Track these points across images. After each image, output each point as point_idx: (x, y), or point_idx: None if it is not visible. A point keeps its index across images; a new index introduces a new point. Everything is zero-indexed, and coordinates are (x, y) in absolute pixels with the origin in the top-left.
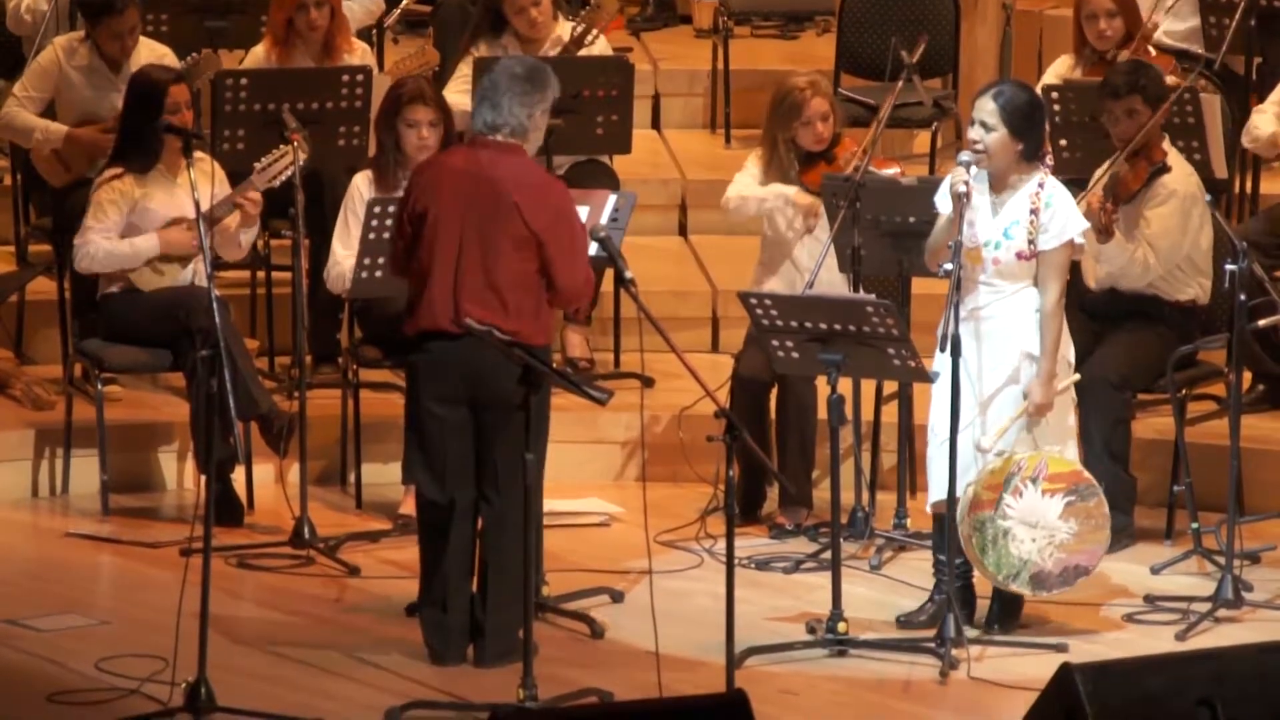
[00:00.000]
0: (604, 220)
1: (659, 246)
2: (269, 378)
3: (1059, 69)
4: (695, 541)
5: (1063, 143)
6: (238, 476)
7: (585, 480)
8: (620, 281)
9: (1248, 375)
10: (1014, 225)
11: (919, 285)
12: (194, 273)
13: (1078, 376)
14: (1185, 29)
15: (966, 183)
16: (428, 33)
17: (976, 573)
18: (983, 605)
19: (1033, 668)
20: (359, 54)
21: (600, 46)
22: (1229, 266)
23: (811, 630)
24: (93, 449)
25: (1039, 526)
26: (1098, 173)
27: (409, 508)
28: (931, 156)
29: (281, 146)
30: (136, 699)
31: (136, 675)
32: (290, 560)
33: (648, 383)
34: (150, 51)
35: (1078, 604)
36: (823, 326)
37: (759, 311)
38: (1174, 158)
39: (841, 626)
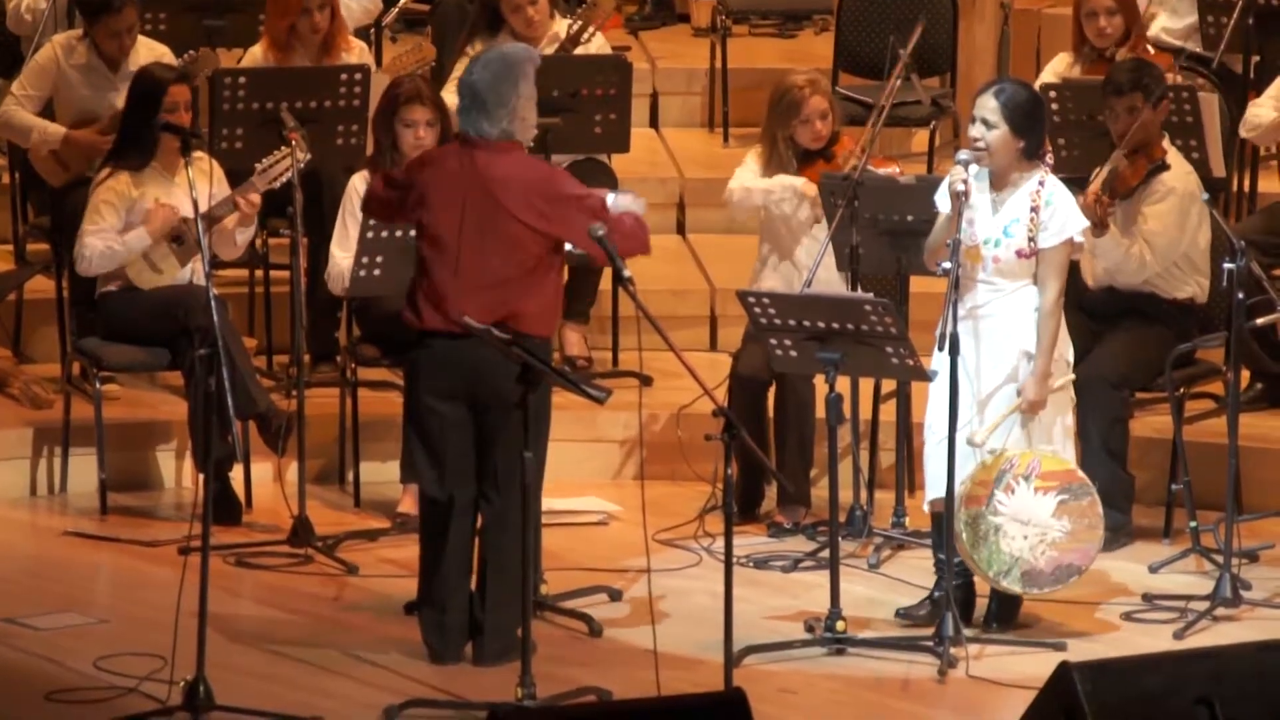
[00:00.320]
0: None
1: (657, 245)
2: (267, 376)
3: (1057, 67)
4: (693, 540)
5: (1061, 141)
6: (236, 475)
7: (584, 479)
8: (618, 280)
9: (1246, 374)
10: (1014, 223)
11: (917, 284)
12: (192, 271)
13: (1072, 376)
14: (1184, 26)
15: (965, 181)
16: (426, 31)
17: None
18: (981, 604)
19: (1031, 666)
20: (356, 52)
21: (598, 45)
22: (1227, 265)
23: (810, 629)
24: (91, 448)
25: (1031, 524)
26: (1098, 170)
27: (407, 506)
28: (930, 155)
29: (282, 148)
30: (135, 697)
31: (135, 674)
32: (289, 559)
33: (646, 381)
34: (149, 50)
35: (1076, 603)
36: (821, 325)
37: (757, 310)
38: (1173, 156)
39: (840, 625)
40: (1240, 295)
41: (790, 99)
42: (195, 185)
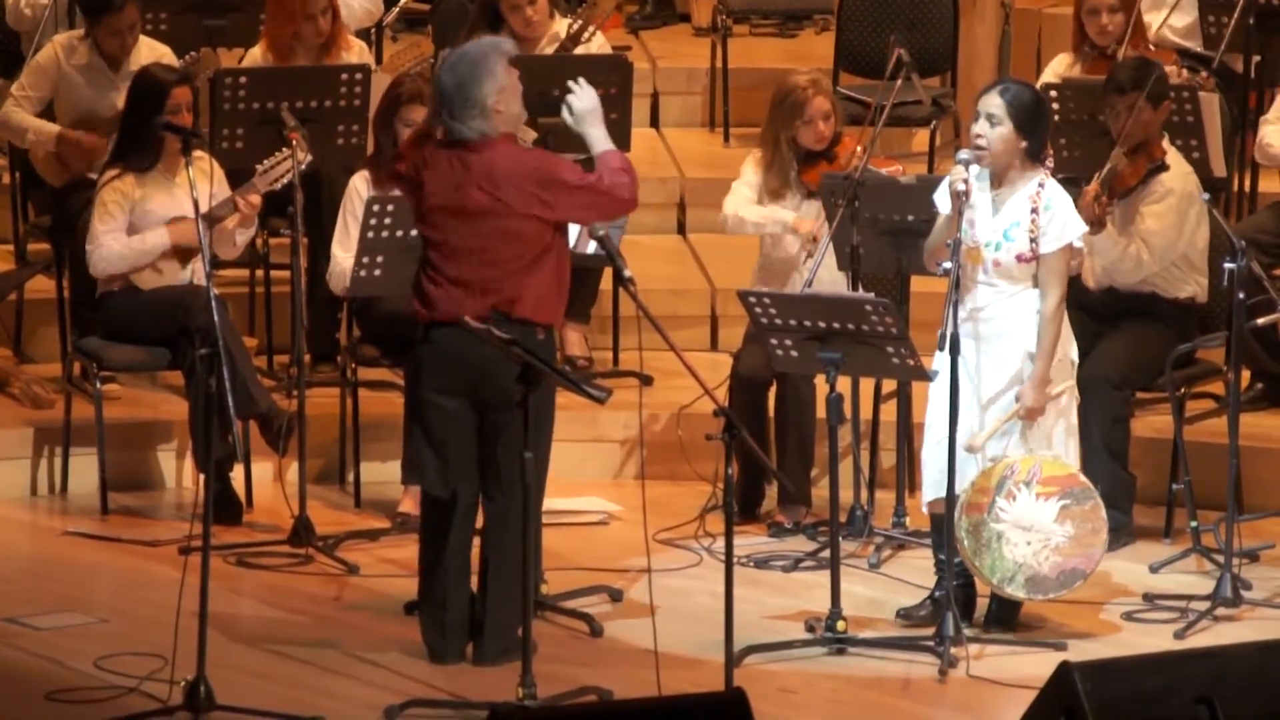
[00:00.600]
0: None
1: (658, 245)
2: (268, 376)
3: (1057, 67)
4: (694, 540)
5: (1061, 141)
6: (236, 475)
7: (584, 479)
8: (619, 280)
9: (1246, 373)
10: (1014, 227)
11: (918, 284)
12: (193, 272)
13: (1071, 382)
14: (1187, 25)
15: (966, 180)
16: (427, 30)
17: None
18: (982, 604)
19: (1031, 666)
20: (356, 51)
21: (598, 44)
22: (1228, 265)
23: (810, 629)
24: (91, 447)
25: (1033, 530)
26: (1099, 171)
27: (408, 506)
28: (930, 155)
29: (283, 149)
30: (135, 697)
31: (135, 673)
32: (289, 559)
33: (646, 381)
34: (150, 50)
35: (1076, 603)
36: (822, 325)
37: (758, 310)
38: (1173, 156)
39: (840, 625)
40: (1241, 295)
41: (793, 99)
42: (196, 185)
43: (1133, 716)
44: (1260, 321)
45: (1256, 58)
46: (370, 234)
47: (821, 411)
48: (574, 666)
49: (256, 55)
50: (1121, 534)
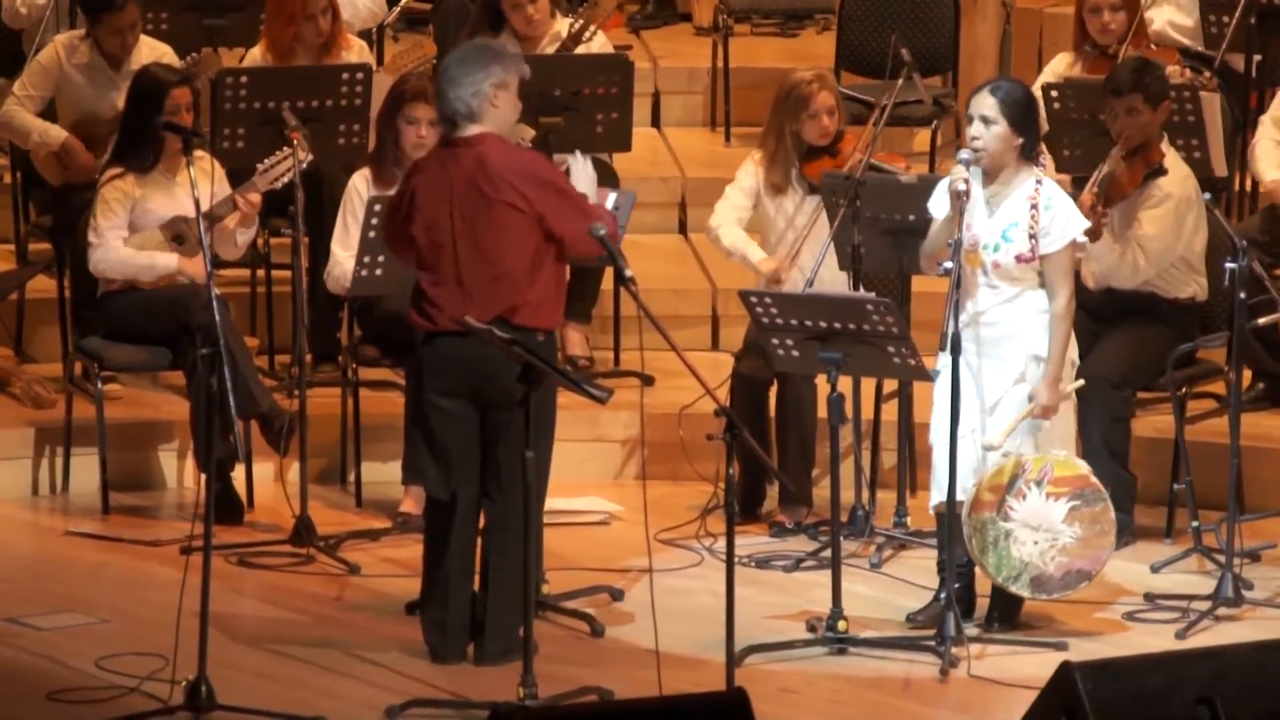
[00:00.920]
0: None
1: (659, 244)
2: (269, 376)
3: (1057, 67)
4: (695, 540)
5: (1062, 141)
6: (238, 475)
7: (585, 479)
8: (620, 280)
9: (1248, 373)
10: (1012, 227)
11: (919, 283)
12: None
13: (1081, 382)
14: (1191, 24)
15: (966, 181)
16: (428, 30)
17: (977, 570)
18: (982, 604)
19: (1032, 666)
20: (356, 51)
21: (599, 44)
22: (1229, 264)
23: (811, 629)
24: (93, 447)
25: (1041, 529)
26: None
27: (409, 506)
28: (931, 154)
29: (284, 149)
30: (136, 697)
31: (136, 673)
32: (290, 559)
33: (648, 381)
34: (151, 50)
35: (1078, 602)
36: (823, 325)
37: (759, 310)
38: (1171, 159)
39: (841, 625)
40: (1242, 295)
41: (798, 94)
42: (196, 184)
43: (1134, 716)
44: (1261, 321)
45: (1257, 57)
46: (371, 234)
47: (823, 411)
48: (575, 666)
49: (256, 55)
50: (1123, 534)
